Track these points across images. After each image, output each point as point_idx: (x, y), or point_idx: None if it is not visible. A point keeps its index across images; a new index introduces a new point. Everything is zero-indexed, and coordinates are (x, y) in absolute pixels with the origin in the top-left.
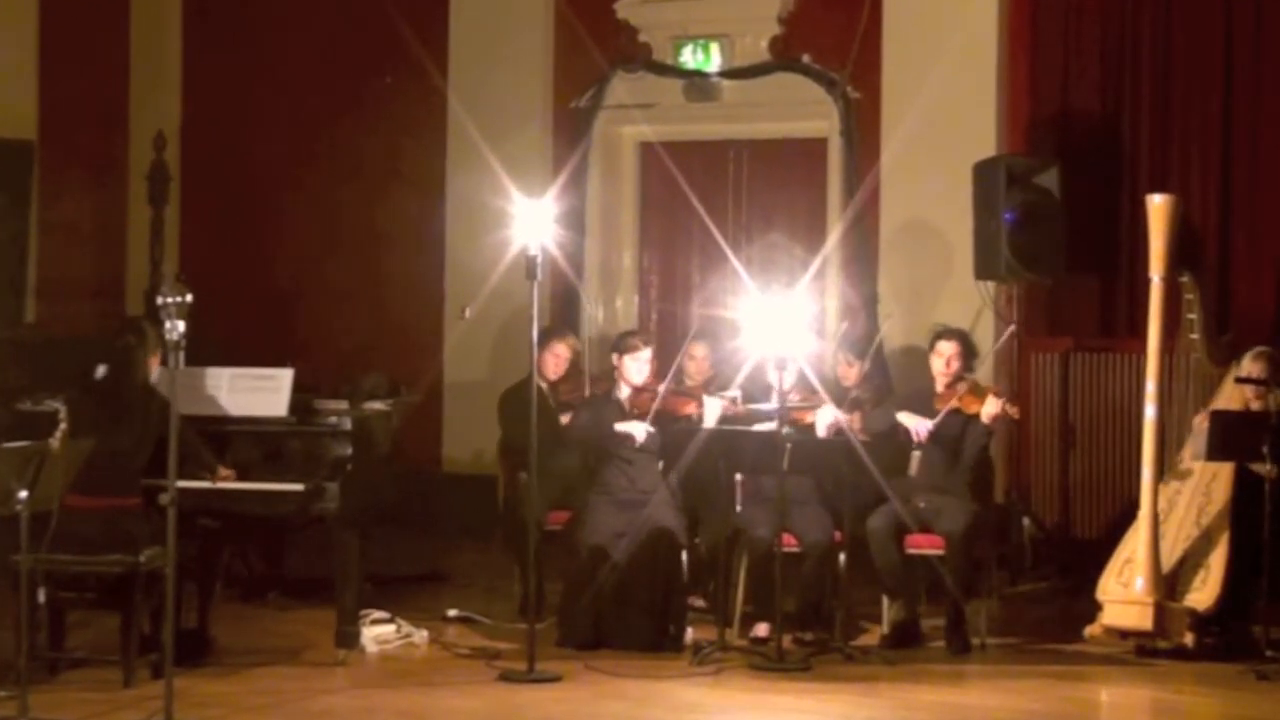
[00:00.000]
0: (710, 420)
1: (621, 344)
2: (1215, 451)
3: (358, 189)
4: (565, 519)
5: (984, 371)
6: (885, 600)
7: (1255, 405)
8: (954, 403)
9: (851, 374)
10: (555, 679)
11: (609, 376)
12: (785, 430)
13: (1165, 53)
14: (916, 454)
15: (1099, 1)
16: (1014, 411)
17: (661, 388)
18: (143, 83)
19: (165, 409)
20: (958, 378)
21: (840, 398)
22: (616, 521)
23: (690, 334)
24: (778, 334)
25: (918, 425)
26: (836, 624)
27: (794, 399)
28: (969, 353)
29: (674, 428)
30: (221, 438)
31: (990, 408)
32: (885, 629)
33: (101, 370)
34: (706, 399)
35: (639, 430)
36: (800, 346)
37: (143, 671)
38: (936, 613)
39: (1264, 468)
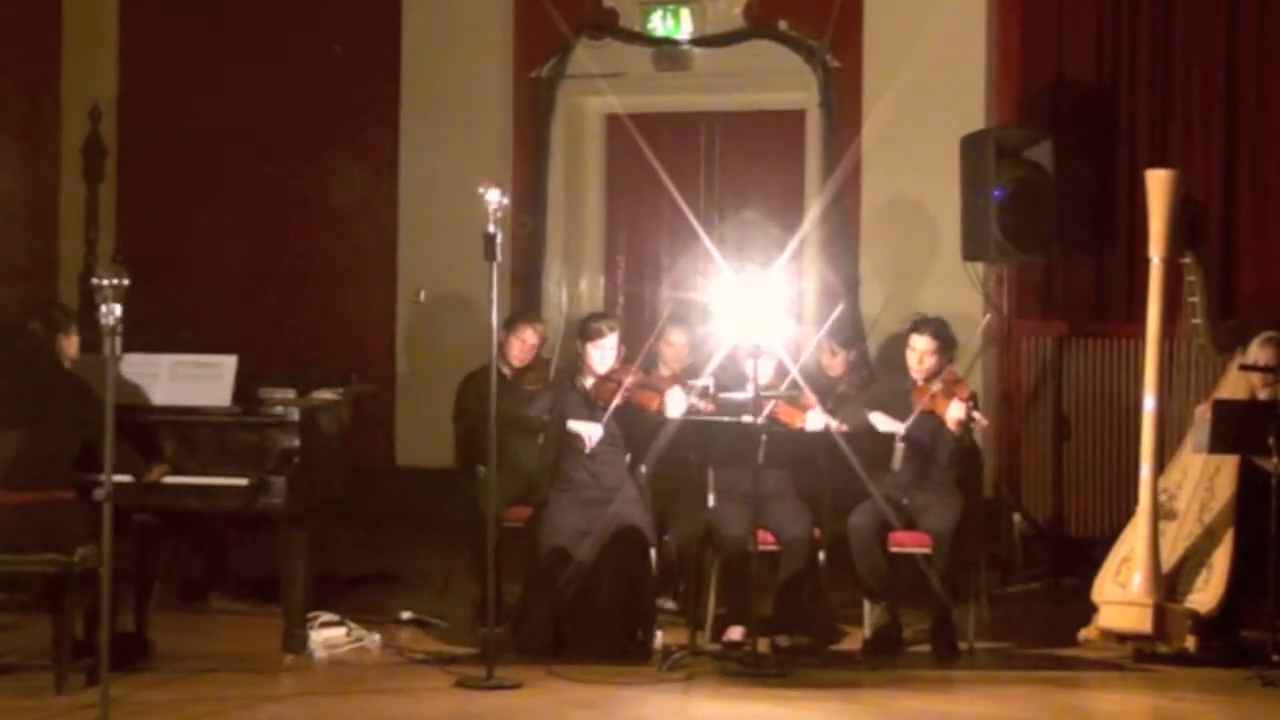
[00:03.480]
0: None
1: (585, 330)
2: (1218, 444)
3: (306, 164)
4: (526, 516)
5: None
6: (866, 603)
7: (1262, 394)
8: (926, 403)
9: (837, 364)
10: (515, 686)
11: (576, 364)
12: (761, 422)
13: (1166, 18)
14: (900, 447)
15: None
16: (981, 421)
17: (628, 380)
18: (77, 50)
19: (89, 394)
20: (934, 373)
21: (824, 388)
22: (580, 519)
23: (664, 318)
24: (752, 318)
25: (891, 428)
26: (815, 627)
27: (779, 389)
28: (947, 345)
29: (641, 418)
30: (160, 428)
31: (954, 412)
32: (867, 633)
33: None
34: (669, 394)
35: (593, 432)
36: (777, 332)
37: (77, 678)
38: (921, 615)
39: (1270, 461)
